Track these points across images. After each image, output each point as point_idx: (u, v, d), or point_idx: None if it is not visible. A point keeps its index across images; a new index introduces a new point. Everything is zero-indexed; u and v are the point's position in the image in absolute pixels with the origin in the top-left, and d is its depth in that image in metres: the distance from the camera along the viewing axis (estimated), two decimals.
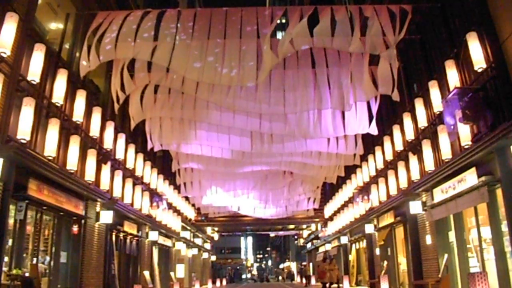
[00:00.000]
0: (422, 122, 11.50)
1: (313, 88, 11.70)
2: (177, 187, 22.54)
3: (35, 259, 9.73)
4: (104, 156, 12.46)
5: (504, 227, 8.45)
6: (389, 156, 14.58)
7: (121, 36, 9.56)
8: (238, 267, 70.29)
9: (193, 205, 25.20)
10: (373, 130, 12.63)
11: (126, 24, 9.59)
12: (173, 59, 9.66)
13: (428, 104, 11.35)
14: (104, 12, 10.23)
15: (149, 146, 14.12)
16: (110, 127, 12.93)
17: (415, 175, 12.28)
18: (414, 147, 12.40)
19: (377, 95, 11.48)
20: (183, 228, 24.42)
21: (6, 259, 8.19)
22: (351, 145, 14.10)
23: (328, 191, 26.60)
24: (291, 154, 15.39)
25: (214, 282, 31.77)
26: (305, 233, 39.98)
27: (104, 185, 12.46)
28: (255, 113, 12.70)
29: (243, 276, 69.08)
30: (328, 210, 26.63)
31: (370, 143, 15.94)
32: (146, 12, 9.92)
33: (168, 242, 21.95)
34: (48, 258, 10.15)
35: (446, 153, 10.24)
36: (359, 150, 14.36)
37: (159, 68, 10.99)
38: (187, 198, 23.43)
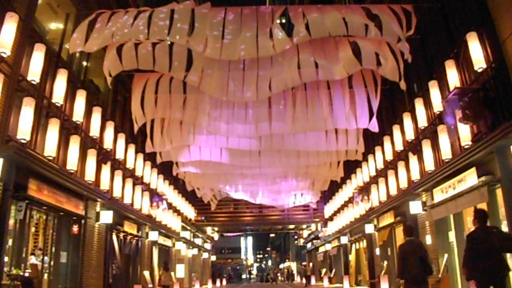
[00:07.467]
0: (422, 122, 11.51)
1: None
2: (177, 187, 22.53)
3: (35, 259, 9.73)
4: (104, 156, 12.45)
5: (504, 227, 8.42)
6: (389, 156, 14.58)
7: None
8: (238, 267, 70.15)
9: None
10: (373, 126, 12.40)
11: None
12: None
13: (428, 104, 11.35)
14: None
15: (147, 149, 13.88)
16: (110, 127, 12.93)
17: (415, 175, 12.28)
18: (414, 147, 12.39)
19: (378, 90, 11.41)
20: (183, 228, 24.40)
21: (6, 259, 8.18)
22: (352, 140, 13.79)
23: (328, 191, 26.54)
24: (288, 154, 15.23)
25: (214, 282, 31.74)
26: (305, 233, 39.95)
27: (104, 185, 12.46)
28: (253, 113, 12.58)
29: (243, 276, 68.92)
30: (328, 210, 26.64)
31: (370, 143, 15.93)
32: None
33: (168, 242, 21.94)
34: (48, 258, 10.14)
35: (446, 153, 10.25)
36: (360, 146, 13.99)
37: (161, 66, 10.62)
38: (182, 195, 23.26)
